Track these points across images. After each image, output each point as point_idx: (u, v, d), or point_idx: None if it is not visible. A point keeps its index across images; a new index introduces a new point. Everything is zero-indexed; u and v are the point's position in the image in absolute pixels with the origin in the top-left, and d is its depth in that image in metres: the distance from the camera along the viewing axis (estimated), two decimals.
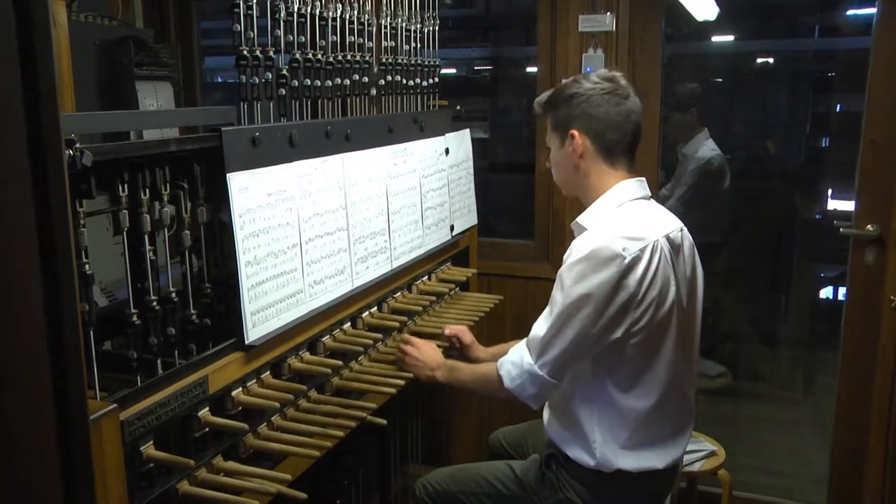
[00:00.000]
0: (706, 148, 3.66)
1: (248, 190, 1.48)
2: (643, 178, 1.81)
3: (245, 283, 1.47)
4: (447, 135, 2.43)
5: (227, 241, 1.47)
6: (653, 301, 1.64)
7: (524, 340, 1.76)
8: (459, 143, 2.53)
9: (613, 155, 1.77)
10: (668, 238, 1.70)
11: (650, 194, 1.82)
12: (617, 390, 1.71)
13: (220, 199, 1.46)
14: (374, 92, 2.06)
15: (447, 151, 2.43)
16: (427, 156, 2.28)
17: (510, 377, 1.73)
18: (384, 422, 1.69)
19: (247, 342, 1.47)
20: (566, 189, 1.89)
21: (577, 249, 1.67)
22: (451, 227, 2.46)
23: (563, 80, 1.84)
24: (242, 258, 1.46)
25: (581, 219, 1.80)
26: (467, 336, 2.16)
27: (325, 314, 1.74)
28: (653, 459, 1.75)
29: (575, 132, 1.76)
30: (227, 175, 1.43)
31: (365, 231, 1.92)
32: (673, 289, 1.69)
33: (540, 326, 1.71)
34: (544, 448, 1.88)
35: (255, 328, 1.50)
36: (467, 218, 2.59)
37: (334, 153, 1.79)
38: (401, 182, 2.11)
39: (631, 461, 1.73)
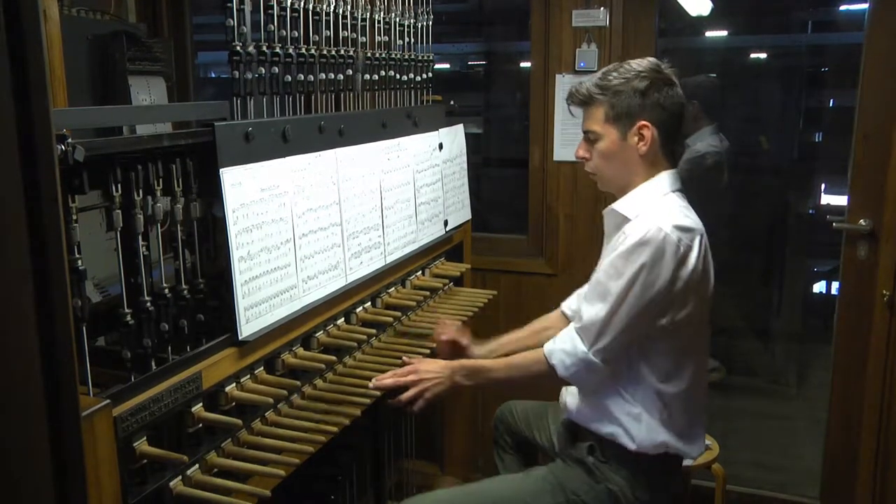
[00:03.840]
0: (704, 143, 3.65)
1: (242, 185, 1.48)
2: (676, 170, 1.80)
3: (238, 278, 1.46)
4: (441, 130, 2.43)
5: (221, 237, 1.47)
6: (698, 292, 1.67)
7: (571, 326, 1.74)
8: (453, 138, 2.53)
9: (670, 147, 1.77)
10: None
11: (681, 186, 1.80)
12: (653, 377, 1.72)
13: (213, 194, 1.46)
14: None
15: (441, 146, 2.42)
16: (421, 151, 2.28)
17: (564, 366, 1.72)
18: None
19: (240, 338, 1.47)
20: (609, 183, 1.82)
21: (632, 234, 1.65)
22: (445, 223, 2.45)
23: (616, 67, 1.75)
24: (236, 253, 1.46)
25: (621, 206, 1.77)
26: (465, 338, 2.04)
27: (318, 310, 1.73)
28: (686, 446, 1.78)
29: (647, 124, 1.71)
30: (221, 170, 1.43)
31: (358, 226, 1.92)
32: (712, 281, 1.73)
33: (593, 312, 1.69)
34: (575, 442, 1.86)
35: (249, 324, 1.49)
36: (461, 213, 2.59)
37: (328, 148, 1.78)
38: (394, 177, 2.11)
39: (671, 437, 1.74)
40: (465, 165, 2.63)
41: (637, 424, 1.73)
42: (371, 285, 1.99)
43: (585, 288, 1.88)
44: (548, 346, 1.76)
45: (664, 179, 1.76)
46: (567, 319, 2.08)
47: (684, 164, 3.62)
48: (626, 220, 1.73)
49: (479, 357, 2.03)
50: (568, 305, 2.12)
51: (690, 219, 1.70)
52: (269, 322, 1.56)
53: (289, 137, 1.63)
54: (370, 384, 1.72)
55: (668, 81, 1.73)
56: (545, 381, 1.78)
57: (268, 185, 1.56)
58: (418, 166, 2.26)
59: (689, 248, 1.64)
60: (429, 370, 1.81)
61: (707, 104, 3.63)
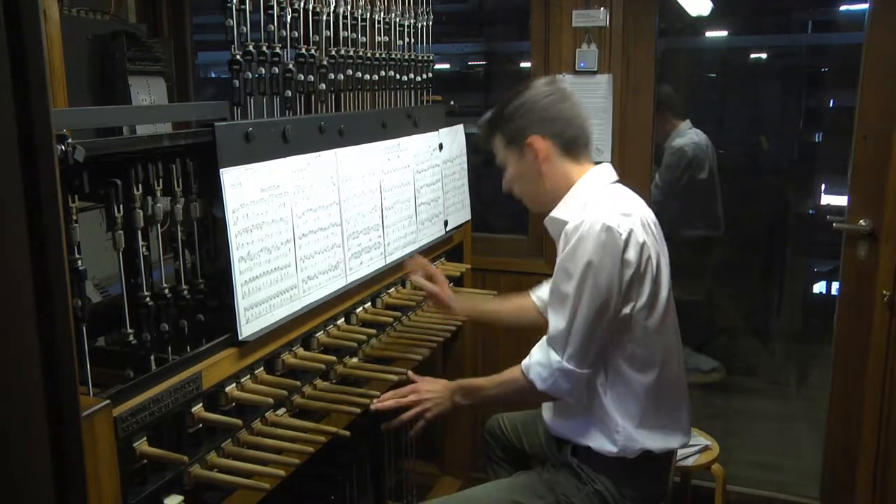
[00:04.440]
0: (681, 138, 3.68)
1: (242, 185, 1.48)
2: (608, 163, 1.86)
3: (238, 278, 1.46)
4: (441, 130, 2.43)
5: (221, 237, 1.47)
6: (652, 274, 1.68)
7: (544, 339, 1.75)
8: (453, 138, 2.53)
9: (576, 151, 1.80)
10: (646, 214, 1.75)
11: (618, 178, 1.84)
12: (629, 368, 1.73)
13: (213, 194, 1.46)
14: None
15: (441, 147, 2.42)
16: (421, 151, 2.28)
17: (541, 378, 1.72)
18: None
19: (240, 338, 1.47)
20: (535, 201, 1.88)
21: (572, 234, 1.67)
22: (445, 223, 2.46)
23: (505, 98, 1.84)
24: (236, 254, 1.46)
25: (556, 213, 1.80)
26: (438, 275, 2.10)
27: (318, 310, 1.73)
28: (670, 440, 1.78)
29: (534, 139, 1.77)
30: (221, 170, 1.43)
31: (359, 226, 1.92)
32: (665, 260, 1.74)
33: (556, 320, 1.70)
34: (560, 446, 1.86)
35: (249, 324, 1.49)
36: (461, 213, 2.59)
37: (328, 148, 1.78)
38: (394, 177, 2.11)
39: (651, 441, 1.74)
40: (466, 165, 2.63)
41: (615, 435, 1.73)
42: (371, 285, 1.99)
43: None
44: (524, 362, 1.77)
45: (594, 174, 1.80)
46: (537, 309, 2.11)
47: (666, 161, 3.65)
48: (565, 224, 1.73)
49: (452, 305, 2.09)
50: (538, 295, 2.13)
51: (626, 205, 1.72)
52: (269, 322, 1.56)
53: (289, 137, 1.63)
54: (371, 407, 1.73)
55: (552, 94, 1.79)
56: (530, 397, 1.79)
57: (268, 185, 1.56)
58: (418, 166, 2.26)
59: (629, 232, 1.64)
60: (429, 390, 1.84)
61: (674, 109, 3.69)
